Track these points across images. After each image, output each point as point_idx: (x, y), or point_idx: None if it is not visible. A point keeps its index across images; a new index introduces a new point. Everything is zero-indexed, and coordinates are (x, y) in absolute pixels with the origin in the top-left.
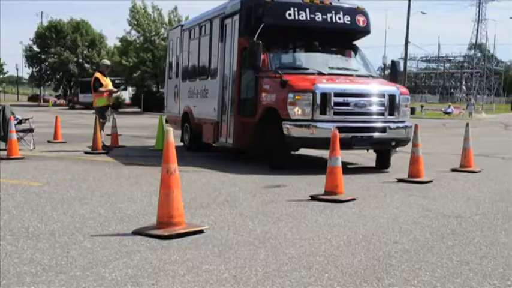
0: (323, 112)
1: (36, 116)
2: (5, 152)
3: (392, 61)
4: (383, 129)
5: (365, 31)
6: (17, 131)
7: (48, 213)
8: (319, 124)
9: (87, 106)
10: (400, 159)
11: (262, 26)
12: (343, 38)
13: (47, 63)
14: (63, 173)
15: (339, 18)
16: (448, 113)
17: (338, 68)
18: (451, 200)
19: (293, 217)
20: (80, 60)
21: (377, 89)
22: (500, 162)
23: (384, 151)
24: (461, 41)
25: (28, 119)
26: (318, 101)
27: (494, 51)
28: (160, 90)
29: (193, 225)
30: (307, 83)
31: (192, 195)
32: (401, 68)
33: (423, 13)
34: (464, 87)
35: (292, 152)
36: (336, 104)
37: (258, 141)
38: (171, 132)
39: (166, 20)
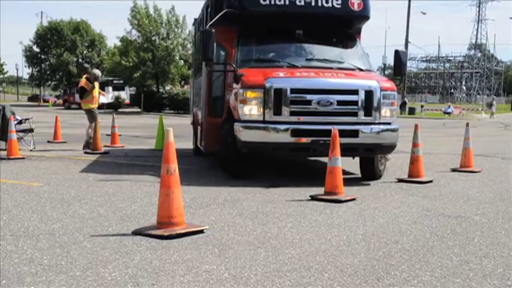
0: (277, 112)
1: (36, 116)
2: (5, 152)
3: (396, 51)
4: (354, 133)
5: (362, 16)
6: (17, 131)
7: (48, 213)
8: (270, 126)
9: (81, 106)
10: (400, 159)
11: (224, 12)
12: (333, 25)
13: (47, 63)
14: (63, 173)
15: (326, 1)
16: (448, 113)
17: (318, 60)
18: (451, 200)
19: (293, 217)
20: (80, 60)
21: (348, 83)
22: (500, 162)
23: (367, 158)
24: (461, 41)
25: (28, 119)
26: (271, 98)
27: (494, 51)
28: (160, 90)
29: (193, 225)
30: (260, 77)
31: (192, 195)
32: (406, 59)
33: (423, 13)
34: (464, 87)
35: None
36: (293, 102)
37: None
38: (171, 133)
39: (165, 19)
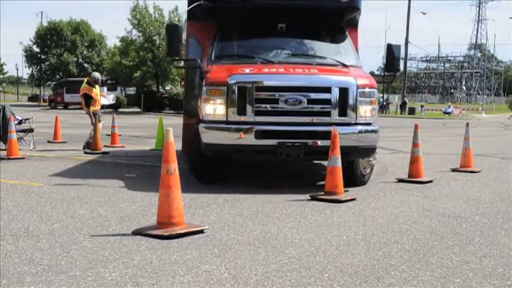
0: (241, 111)
1: (36, 116)
2: (5, 152)
3: (388, 45)
4: (325, 135)
5: (351, 7)
6: (17, 131)
7: (48, 213)
8: (233, 127)
9: (66, 106)
10: (400, 159)
11: (200, 5)
12: (320, 17)
13: (47, 64)
14: (63, 173)
15: None
16: (448, 113)
17: (298, 55)
18: (451, 200)
19: (293, 217)
20: (80, 60)
21: (320, 80)
22: (500, 162)
23: (346, 162)
24: (461, 41)
25: (28, 119)
26: (235, 96)
27: (494, 51)
28: (161, 90)
29: (193, 225)
30: (224, 74)
31: (192, 195)
32: (402, 53)
33: (423, 13)
34: (464, 87)
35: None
36: (259, 100)
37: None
38: (171, 133)
39: (167, 19)
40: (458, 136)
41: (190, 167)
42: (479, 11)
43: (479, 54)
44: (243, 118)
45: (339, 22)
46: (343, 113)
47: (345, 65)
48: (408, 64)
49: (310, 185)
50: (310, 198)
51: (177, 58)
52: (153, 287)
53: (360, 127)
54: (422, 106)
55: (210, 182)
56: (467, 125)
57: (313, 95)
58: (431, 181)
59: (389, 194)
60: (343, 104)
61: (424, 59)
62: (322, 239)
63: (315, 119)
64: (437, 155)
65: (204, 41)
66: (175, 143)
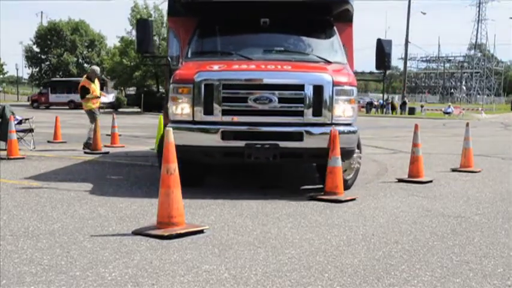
0: (208, 111)
1: (36, 116)
2: (5, 152)
3: (378, 40)
4: (297, 136)
5: (337, 1)
6: (17, 131)
7: (48, 213)
8: (199, 127)
9: (48, 106)
10: (400, 159)
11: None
12: (305, 11)
13: (47, 64)
14: (63, 173)
15: None
16: (448, 113)
17: (279, 52)
18: (451, 200)
19: (293, 217)
20: (80, 60)
21: (292, 77)
22: (500, 162)
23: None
24: (461, 41)
25: (28, 119)
26: (201, 95)
27: (494, 51)
28: (161, 90)
29: (193, 225)
30: (192, 71)
31: (192, 195)
32: (390, 50)
33: (423, 13)
34: (464, 87)
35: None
36: (226, 99)
37: None
38: (171, 133)
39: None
40: (458, 136)
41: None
42: (479, 11)
43: (479, 54)
44: (210, 118)
45: (326, 16)
46: (317, 112)
47: (328, 62)
48: (408, 64)
49: (310, 185)
50: (310, 198)
51: (148, 55)
52: (153, 287)
53: (336, 128)
54: (422, 106)
55: (184, 186)
56: (467, 125)
57: (285, 93)
58: (431, 181)
59: (389, 194)
60: (318, 102)
61: (424, 59)
62: (322, 239)
63: (287, 119)
64: (437, 155)
65: (183, 38)
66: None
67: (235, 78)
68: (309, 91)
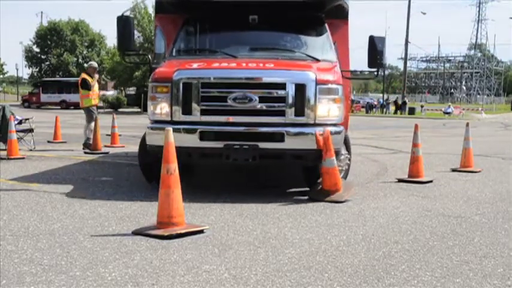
0: (187, 111)
1: (36, 116)
2: (5, 152)
3: (370, 37)
4: (278, 137)
5: None
6: (17, 131)
7: (48, 213)
8: (176, 127)
9: (39, 106)
10: (400, 159)
11: None
12: (295, 8)
13: (47, 64)
14: (63, 173)
15: None
16: (448, 113)
17: (265, 49)
18: (451, 200)
19: (293, 217)
20: (80, 60)
21: (273, 75)
22: (500, 162)
23: (311, 167)
24: (461, 41)
25: (28, 119)
26: (180, 94)
27: (494, 51)
28: None
29: (193, 225)
30: (171, 70)
31: (192, 195)
32: (383, 47)
33: (423, 13)
34: (464, 87)
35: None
36: (205, 98)
37: None
38: (170, 133)
39: None
40: (458, 136)
41: (141, 169)
42: (479, 11)
43: (479, 54)
44: (188, 118)
45: (318, 13)
46: (300, 112)
47: (316, 60)
48: (408, 64)
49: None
50: (310, 198)
51: (130, 53)
52: (153, 287)
53: (319, 128)
54: (422, 106)
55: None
56: (467, 125)
57: (265, 92)
58: (431, 181)
59: (390, 194)
60: (301, 102)
61: (424, 59)
62: (322, 239)
63: (268, 119)
64: (437, 155)
65: (170, 35)
66: (175, 143)
67: (214, 76)
68: (291, 90)
